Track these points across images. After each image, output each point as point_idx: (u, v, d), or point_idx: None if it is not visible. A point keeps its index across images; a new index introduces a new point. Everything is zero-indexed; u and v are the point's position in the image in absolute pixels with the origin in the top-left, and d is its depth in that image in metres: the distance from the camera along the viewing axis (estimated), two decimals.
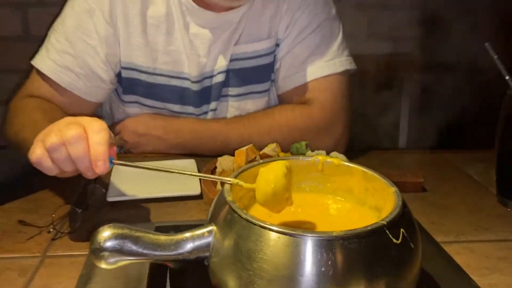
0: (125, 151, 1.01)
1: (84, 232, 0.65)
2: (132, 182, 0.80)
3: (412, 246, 0.45)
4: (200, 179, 0.81)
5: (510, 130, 0.78)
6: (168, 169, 0.58)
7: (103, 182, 0.78)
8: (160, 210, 0.74)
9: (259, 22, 1.00)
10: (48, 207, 0.73)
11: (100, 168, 0.58)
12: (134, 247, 0.45)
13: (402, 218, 0.46)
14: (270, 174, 0.50)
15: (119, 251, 0.44)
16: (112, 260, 0.44)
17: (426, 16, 1.92)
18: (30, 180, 0.77)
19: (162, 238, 0.46)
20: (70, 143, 0.57)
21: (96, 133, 0.59)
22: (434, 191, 0.84)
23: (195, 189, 0.78)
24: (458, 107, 1.56)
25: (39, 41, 1.02)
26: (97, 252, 0.44)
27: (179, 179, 0.77)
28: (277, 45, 1.03)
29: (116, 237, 0.44)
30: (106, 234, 0.44)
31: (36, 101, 0.93)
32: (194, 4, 0.95)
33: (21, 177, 0.79)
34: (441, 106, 1.70)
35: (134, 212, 0.74)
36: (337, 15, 1.04)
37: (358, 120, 1.13)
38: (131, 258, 0.45)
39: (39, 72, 0.94)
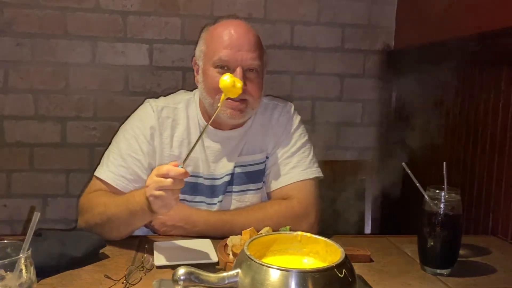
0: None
1: (144, 282, 0.99)
2: (170, 254, 1.14)
3: (350, 280, 0.81)
4: (217, 252, 1.15)
5: (422, 228, 1.14)
6: None
7: (151, 253, 1.13)
8: None
9: (255, 140, 1.43)
10: (115, 269, 1.06)
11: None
12: (196, 280, 0.79)
13: (344, 264, 0.82)
14: None
15: (187, 280, 0.79)
16: (183, 284, 0.78)
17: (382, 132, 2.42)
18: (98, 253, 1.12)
19: (212, 275, 0.80)
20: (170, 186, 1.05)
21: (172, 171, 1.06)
22: (378, 261, 1.20)
23: (214, 258, 1.13)
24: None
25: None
26: (176, 280, 0.78)
27: (201, 251, 1.13)
28: (267, 157, 1.45)
29: (186, 273, 0.79)
30: (181, 272, 0.79)
31: (101, 192, 1.29)
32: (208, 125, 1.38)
33: (92, 250, 1.13)
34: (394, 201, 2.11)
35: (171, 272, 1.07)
36: (308, 140, 1.46)
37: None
38: (194, 285, 0.79)
39: (99, 179, 1.32)
